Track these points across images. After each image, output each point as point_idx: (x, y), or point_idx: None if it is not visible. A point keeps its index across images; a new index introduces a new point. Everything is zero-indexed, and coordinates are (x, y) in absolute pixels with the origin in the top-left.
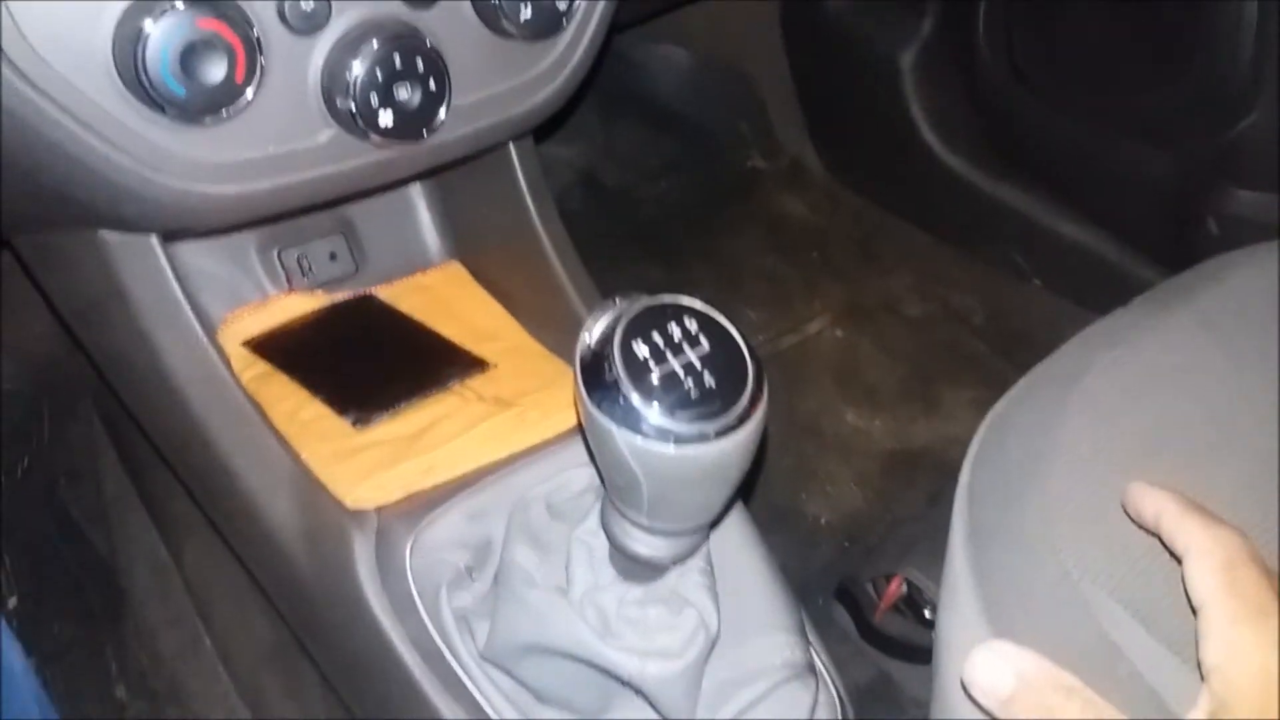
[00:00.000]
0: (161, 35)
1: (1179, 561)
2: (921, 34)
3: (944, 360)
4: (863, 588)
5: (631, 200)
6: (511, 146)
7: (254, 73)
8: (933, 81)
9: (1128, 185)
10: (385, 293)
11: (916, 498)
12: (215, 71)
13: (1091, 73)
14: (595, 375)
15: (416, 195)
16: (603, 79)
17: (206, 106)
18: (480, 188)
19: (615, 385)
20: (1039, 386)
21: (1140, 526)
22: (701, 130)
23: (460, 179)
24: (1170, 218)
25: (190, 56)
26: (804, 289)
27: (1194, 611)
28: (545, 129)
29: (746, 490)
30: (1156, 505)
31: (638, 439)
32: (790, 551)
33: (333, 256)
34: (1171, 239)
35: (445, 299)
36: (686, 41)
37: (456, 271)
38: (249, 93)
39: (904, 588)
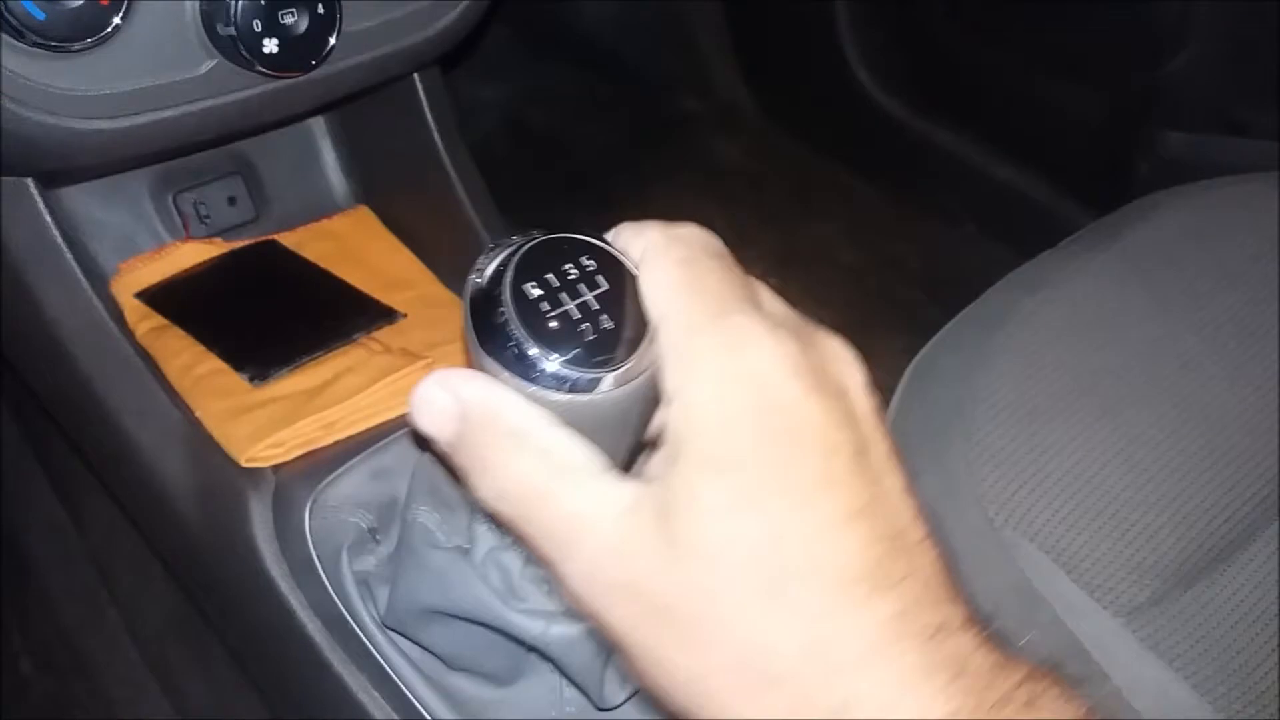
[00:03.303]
0: None
1: None
2: None
3: (879, 308)
4: None
5: (559, 144)
6: (416, 78)
7: None
8: (866, 19)
9: (1060, 126)
10: (289, 239)
11: None
12: None
13: (1023, 9)
14: (485, 319)
15: (320, 134)
16: (525, 14)
17: (70, 33)
18: (386, 124)
19: (505, 329)
20: (962, 332)
21: None
22: (631, 70)
23: (365, 115)
24: (1101, 158)
25: None
26: (738, 236)
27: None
28: (454, 58)
29: None
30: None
31: (531, 387)
32: None
33: (231, 201)
34: (1104, 180)
35: (353, 245)
36: None
37: (364, 216)
38: (117, 18)
39: None
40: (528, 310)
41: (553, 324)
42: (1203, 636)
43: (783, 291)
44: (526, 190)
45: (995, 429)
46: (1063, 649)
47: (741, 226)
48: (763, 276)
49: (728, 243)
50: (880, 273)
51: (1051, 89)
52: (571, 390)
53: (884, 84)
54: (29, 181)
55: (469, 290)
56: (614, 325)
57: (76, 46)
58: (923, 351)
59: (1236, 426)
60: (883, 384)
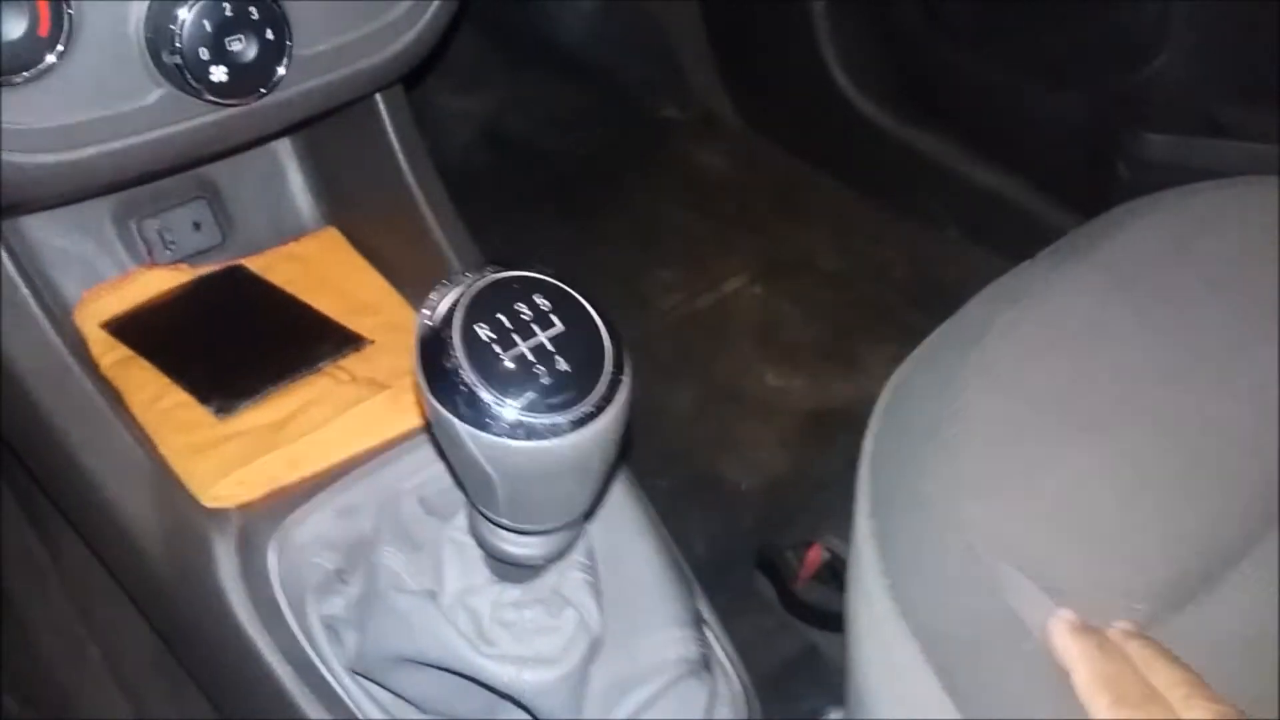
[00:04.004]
0: None
1: None
2: None
3: (864, 316)
4: (784, 556)
5: (538, 154)
6: (378, 98)
7: (60, 26)
8: (846, 25)
9: (1040, 130)
10: (255, 263)
11: (836, 459)
12: (13, 25)
13: (1003, 13)
14: (435, 363)
15: (286, 155)
16: (503, 23)
17: (7, 66)
18: (352, 144)
19: (456, 374)
20: (939, 349)
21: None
22: (611, 78)
23: (330, 135)
24: (1083, 162)
25: None
26: (720, 245)
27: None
28: (418, 75)
29: (661, 461)
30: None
31: (484, 434)
32: (710, 520)
33: (196, 226)
34: (1084, 184)
35: (321, 268)
36: None
37: (333, 238)
38: (53, 52)
39: (825, 555)
40: (480, 353)
41: (506, 367)
42: (1199, 659)
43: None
44: (505, 201)
45: (975, 450)
46: (1050, 680)
47: (723, 234)
48: (746, 284)
49: (710, 251)
50: (864, 279)
51: (1031, 93)
52: (529, 437)
53: (865, 89)
54: None
55: (418, 333)
56: (571, 366)
57: (15, 80)
58: (899, 369)
59: (1224, 440)
60: (870, 394)
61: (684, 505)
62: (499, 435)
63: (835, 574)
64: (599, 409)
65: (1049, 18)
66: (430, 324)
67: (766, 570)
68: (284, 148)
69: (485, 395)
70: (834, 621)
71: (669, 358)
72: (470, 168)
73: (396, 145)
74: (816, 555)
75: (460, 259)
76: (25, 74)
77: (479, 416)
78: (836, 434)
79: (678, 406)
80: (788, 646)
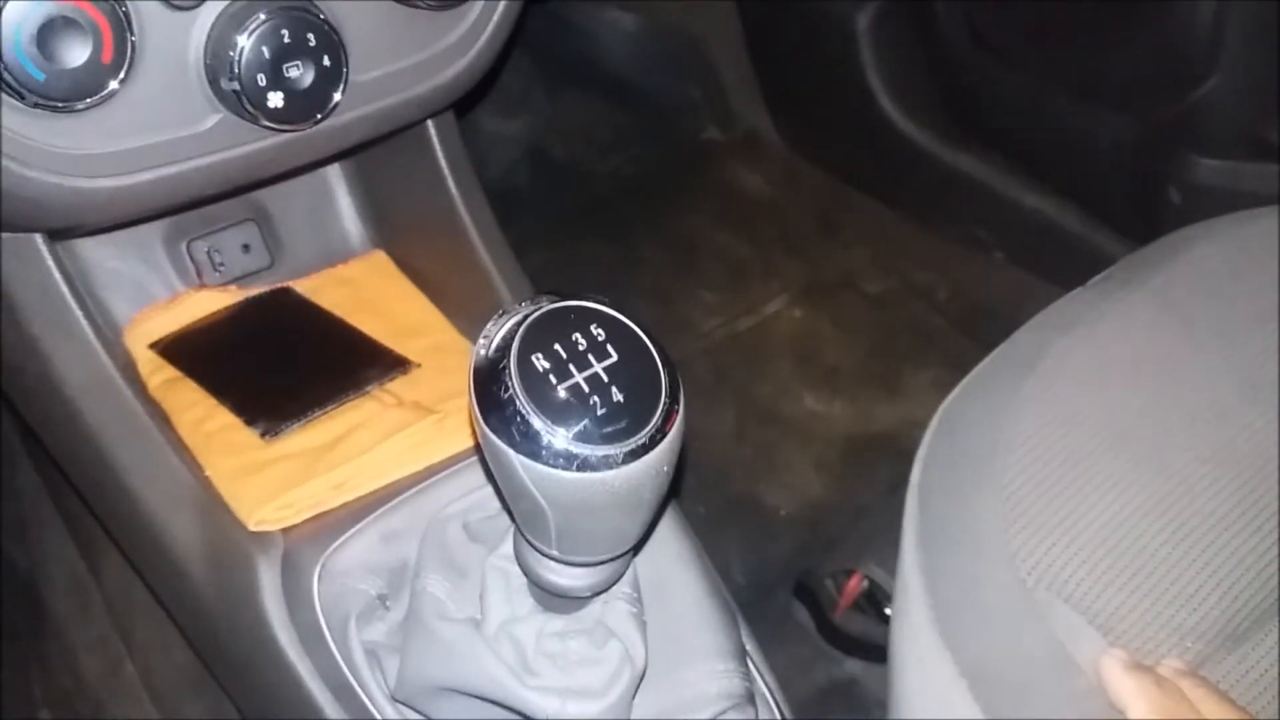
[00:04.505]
0: (14, 11)
1: None
2: None
3: (905, 339)
4: (822, 583)
5: (580, 176)
6: (430, 124)
7: (124, 54)
8: (890, 46)
9: (1089, 153)
10: (303, 286)
11: (877, 485)
12: (78, 53)
13: (1050, 35)
14: (490, 392)
15: (335, 179)
16: (547, 46)
17: (70, 93)
18: (401, 169)
19: (511, 404)
20: (990, 377)
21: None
22: (652, 100)
23: (380, 160)
24: (1132, 186)
25: (49, 35)
26: (761, 267)
27: None
28: (468, 101)
29: (699, 485)
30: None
31: (537, 464)
32: (748, 545)
33: (246, 248)
34: (1134, 208)
35: (368, 292)
36: (633, 4)
37: (380, 262)
38: (119, 76)
39: (864, 584)
40: (535, 383)
41: (561, 397)
42: (1250, 701)
43: (809, 322)
44: (547, 222)
45: (1026, 481)
46: (1100, 717)
47: (765, 256)
48: (787, 307)
49: (751, 272)
50: (906, 303)
51: (1080, 116)
52: (581, 468)
53: (908, 110)
54: (37, 237)
55: (474, 361)
56: (625, 397)
57: (78, 106)
58: (951, 397)
59: (1275, 476)
60: (912, 419)
61: (722, 530)
62: (552, 466)
63: (875, 603)
64: (653, 441)
65: (1098, 40)
66: (486, 353)
67: (804, 598)
68: (333, 172)
69: (539, 425)
70: (873, 652)
71: (708, 380)
72: (513, 189)
73: (447, 171)
74: (856, 584)
75: (507, 284)
76: (88, 100)
77: (533, 447)
78: (877, 460)
79: (717, 429)
80: (825, 676)
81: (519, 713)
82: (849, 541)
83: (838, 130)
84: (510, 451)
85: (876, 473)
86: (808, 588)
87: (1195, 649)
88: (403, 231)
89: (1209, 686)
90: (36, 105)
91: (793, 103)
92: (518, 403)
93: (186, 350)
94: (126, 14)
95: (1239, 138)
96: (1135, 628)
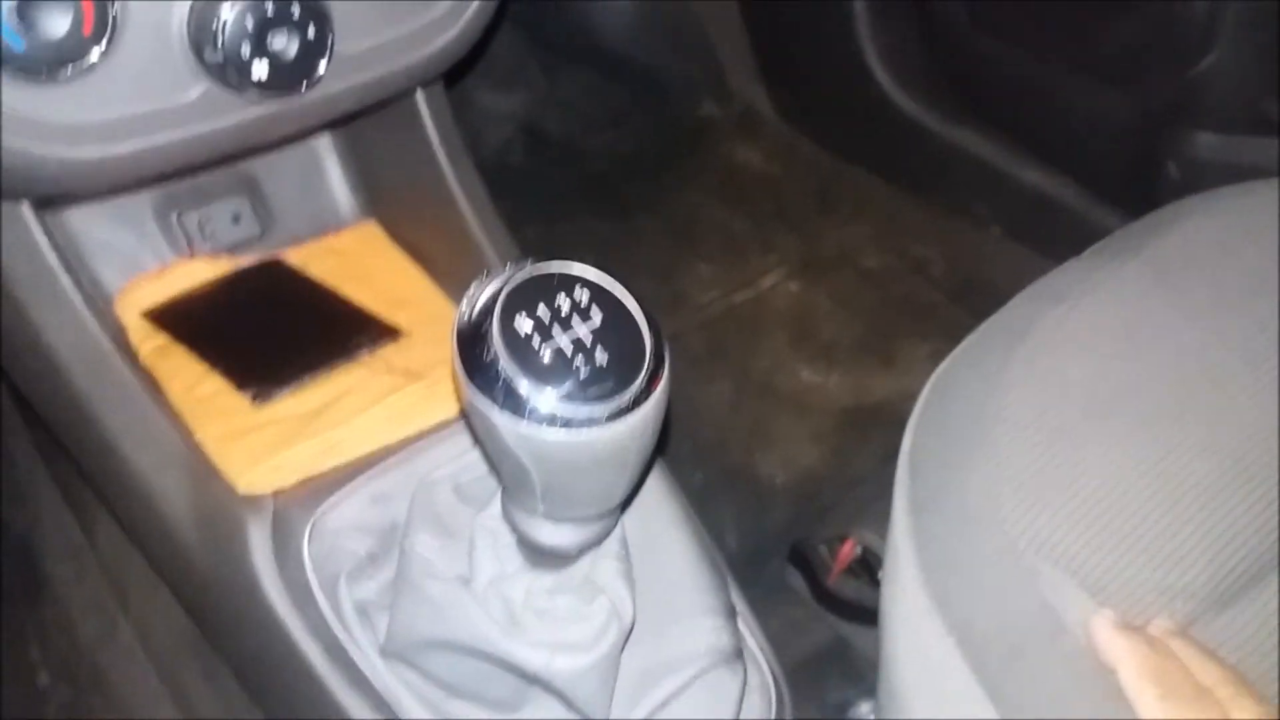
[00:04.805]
0: None
1: None
2: None
3: (902, 313)
4: (817, 550)
5: (577, 152)
6: (419, 95)
7: (105, 23)
8: (887, 22)
9: (1086, 128)
10: (294, 256)
11: (872, 455)
12: (59, 22)
13: (1048, 9)
14: (473, 354)
15: (325, 149)
16: (543, 21)
17: (51, 62)
18: (391, 139)
19: (494, 364)
20: (982, 346)
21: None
22: (650, 76)
23: (370, 130)
24: (1130, 161)
25: (30, 5)
26: (758, 242)
27: None
28: (459, 71)
29: (696, 455)
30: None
31: (521, 424)
32: (744, 513)
33: (236, 218)
34: (1132, 183)
35: (358, 262)
36: None
37: (371, 232)
38: (99, 47)
39: (858, 550)
40: (518, 345)
41: (544, 359)
42: (1239, 661)
43: (805, 296)
44: (544, 198)
45: (1017, 447)
46: (1089, 678)
47: (763, 231)
48: (783, 281)
49: (748, 248)
50: (904, 277)
51: (1078, 90)
52: (566, 427)
53: (905, 86)
54: (23, 205)
55: (456, 324)
56: (609, 359)
57: (60, 76)
58: (941, 366)
59: (1270, 441)
60: (908, 391)
61: (718, 499)
62: (536, 426)
63: (868, 568)
64: (637, 402)
65: (1097, 14)
66: (469, 315)
67: (799, 564)
68: (323, 142)
69: (523, 386)
70: (865, 615)
71: (705, 353)
72: (509, 165)
73: (436, 141)
74: (849, 550)
75: (497, 253)
76: (69, 70)
77: (516, 407)
78: (872, 430)
79: (713, 401)
80: (818, 639)
81: (508, 666)
82: (843, 509)
83: (835, 106)
84: (494, 412)
85: (871, 443)
86: (802, 554)
87: (1185, 610)
88: (393, 202)
89: (1198, 646)
90: (18, 74)
91: (790, 79)
92: (500, 364)
93: (178, 318)
94: None
95: (1238, 112)
96: (1125, 589)
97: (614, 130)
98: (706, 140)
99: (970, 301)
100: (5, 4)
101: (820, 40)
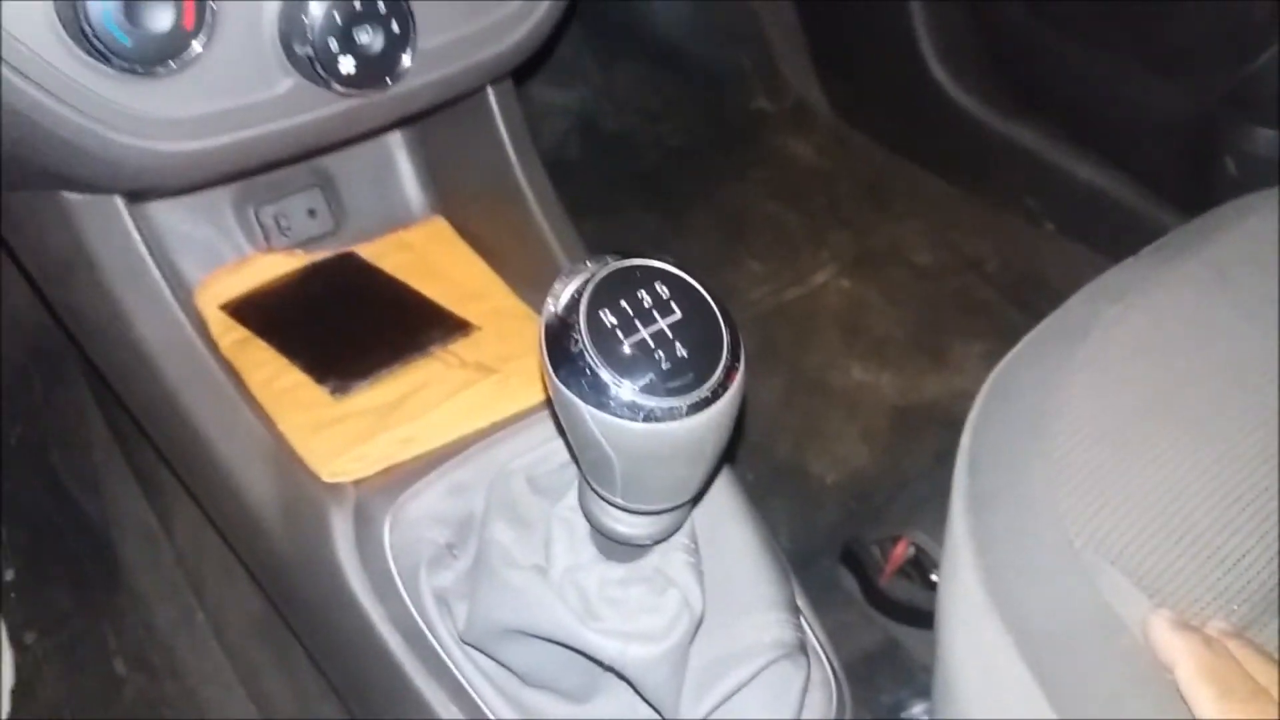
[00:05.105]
0: None
1: None
2: None
3: (954, 310)
4: (868, 550)
5: (631, 145)
6: (490, 91)
7: (203, 19)
8: (942, 13)
9: (1143, 123)
10: (367, 251)
11: (924, 455)
12: (162, 18)
13: (1106, 3)
14: (560, 346)
15: (396, 146)
16: (599, 16)
17: (154, 56)
18: (461, 136)
19: (581, 357)
20: (1042, 345)
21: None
22: (703, 69)
23: (440, 127)
24: (1187, 157)
25: (135, 2)
26: (810, 237)
27: None
28: (526, 69)
29: (746, 453)
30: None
31: (605, 415)
32: (795, 513)
33: (311, 213)
34: (1189, 179)
35: (428, 257)
36: None
37: (440, 228)
38: (199, 41)
39: (910, 550)
40: (602, 338)
41: (627, 352)
42: None
43: (857, 293)
44: (598, 190)
45: (1076, 447)
46: (1145, 676)
47: (814, 226)
48: (835, 277)
49: (800, 242)
50: (955, 273)
51: (1135, 85)
52: (646, 419)
53: (960, 80)
54: (117, 198)
55: (544, 318)
56: (688, 353)
57: (161, 70)
58: (1001, 364)
59: None
60: (960, 390)
61: (769, 498)
62: (620, 417)
63: (920, 569)
64: (715, 395)
65: (1155, 7)
66: (556, 309)
67: (850, 564)
68: (395, 139)
69: (607, 378)
70: (918, 617)
71: (756, 349)
72: (564, 158)
73: (506, 138)
74: (902, 550)
75: (564, 250)
76: (172, 64)
77: (601, 398)
78: (924, 430)
79: (764, 398)
80: (870, 640)
81: (582, 654)
82: (895, 509)
83: (889, 100)
84: (579, 403)
85: (923, 443)
86: (854, 554)
87: (1240, 612)
88: (462, 198)
89: (1255, 647)
90: (121, 69)
91: (844, 72)
92: (587, 356)
93: (256, 311)
94: None
95: None
96: (1181, 590)
97: (668, 124)
98: (760, 133)
99: (1023, 299)
100: (112, 2)
101: (875, 33)
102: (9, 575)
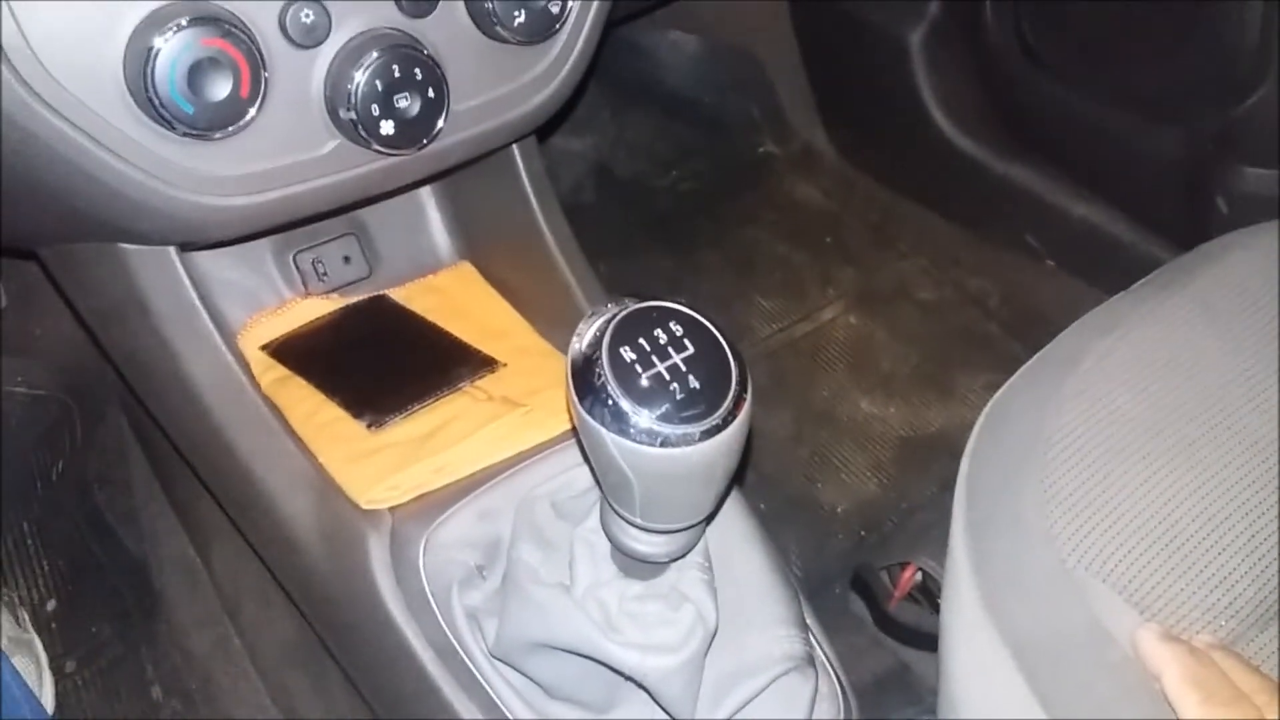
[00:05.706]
0: (169, 54)
1: None
2: (929, 13)
3: (958, 344)
4: (878, 576)
5: (644, 190)
6: (515, 147)
7: (258, 88)
8: (942, 61)
9: (1138, 163)
10: (398, 294)
11: (930, 483)
12: (221, 88)
13: (1100, 48)
14: (585, 379)
15: (426, 197)
16: (612, 68)
17: (214, 122)
18: (487, 188)
19: (604, 389)
20: (1035, 376)
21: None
22: (712, 117)
23: (467, 180)
24: (1181, 196)
25: (197, 74)
26: (817, 276)
27: None
28: (549, 126)
29: (759, 484)
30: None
31: (626, 441)
32: (806, 541)
33: (346, 260)
34: (1183, 218)
35: (456, 299)
36: (695, 27)
37: (467, 272)
38: (254, 107)
39: (918, 576)
40: (623, 371)
41: (645, 384)
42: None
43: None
44: (613, 235)
45: (1068, 471)
46: (1134, 686)
47: (822, 265)
48: (842, 314)
49: (808, 281)
50: (959, 309)
51: (1128, 127)
52: (663, 445)
53: (961, 124)
54: (170, 249)
55: (570, 354)
56: (700, 384)
57: (218, 135)
58: (998, 395)
59: None
60: (965, 421)
61: (781, 527)
62: (639, 443)
63: (928, 594)
64: (725, 422)
65: (1147, 52)
66: (581, 347)
67: (861, 590)
68: (425, 191)
69: (627, 408)
70: (926, 641)
71: (766, 384)
72: (580, 204)
73: (529, 189)
74: (910, 576)
75: (584, 293)
76: (230, 129)
77: (622, 426)
78: (930, 460)
79: (775, 431)
80: (880, 663)
81: (604, 665)
82: (903, 537)
83: (892, 143)
84: (603, 430)
85: (930, 472)
86: (863, 580)
87: (1228, 627)
88: (487, 244)
89: (1240, 659)
90: (185, 134)
91: (848, 118)
92: (609, 388)
93: (295, 351)
94: (261, 53)
95: None
96: (1170, 605)
97: (679, 169)
98: (767, 177)
99: (1025, 333)
100: (176, 74)
101: (877, 80)
102: (50, 605)
